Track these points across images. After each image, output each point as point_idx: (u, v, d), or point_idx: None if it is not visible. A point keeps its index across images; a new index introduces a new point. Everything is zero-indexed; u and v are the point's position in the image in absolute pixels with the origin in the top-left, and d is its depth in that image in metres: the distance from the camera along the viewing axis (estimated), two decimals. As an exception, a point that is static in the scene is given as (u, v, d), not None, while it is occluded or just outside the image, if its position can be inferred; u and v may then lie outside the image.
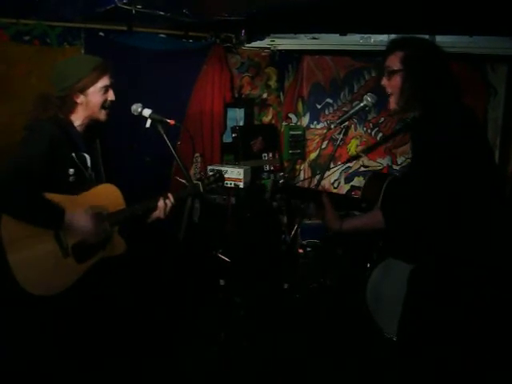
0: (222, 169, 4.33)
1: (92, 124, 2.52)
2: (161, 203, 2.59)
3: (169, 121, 2.70)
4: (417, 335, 2.18)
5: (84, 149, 2.48)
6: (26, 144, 2.31)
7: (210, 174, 2.91)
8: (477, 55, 4.51)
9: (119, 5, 3.08)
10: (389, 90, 2.25)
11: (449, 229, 2.09)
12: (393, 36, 4.33)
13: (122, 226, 2.57)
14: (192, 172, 4.63)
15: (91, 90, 2.41)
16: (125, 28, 4.06)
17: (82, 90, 2.40)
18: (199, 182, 2.77)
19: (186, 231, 3.64)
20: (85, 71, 2.39)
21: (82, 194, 2.41)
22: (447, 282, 2.10)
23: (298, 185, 4.86)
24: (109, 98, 2.47)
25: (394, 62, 2.19)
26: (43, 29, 3.71)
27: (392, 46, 2.24)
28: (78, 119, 2.46)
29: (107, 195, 2.50)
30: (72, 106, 2.41)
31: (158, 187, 4.28)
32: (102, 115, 2.49)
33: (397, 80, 2.19)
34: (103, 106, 2.46)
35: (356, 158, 4.84)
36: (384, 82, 2.26)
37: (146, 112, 2.68)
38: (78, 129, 2.47)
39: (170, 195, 2.63)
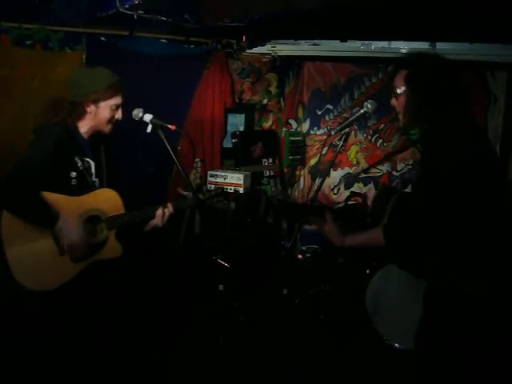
0: (223, 174, 4.34)
1: (97, 134, 2.59)
2: (159, 212, 2.64)
3: (170, 126, 2.71)
4: (436, 351, 2.16)
5: (89, 155, 2.55)
6: (33, 146, 2.40)
7: (212, 189, 2.94)
8: (477, 62, 4.52)
9: (121, 10, 3.08)
10: (397, 110, 2.27)
11: (459, 247, 2.08)
12: (394, 43, 4.42)
13: (121, 232, 2.60)
14: (192, 177, 4.64)
15: (103, 103, 2.49)
16: (126, 33, 4.07)
17: (95, 102, 2.48)
18: (199, 194, 2.79)
19: (185, 239, 3.66)
20: (102, 84, 2.47)
21: (81, 196, 2.47)
22: (462, 301, 2.08)
23: (294, 200, 4.75)
24: (116, 116, 2.55)
25: (399, 81, 2.21)
26: (45, 33, 3.72)
27: (397, 66, 2.26)
28: (84, 126, 2.53)
29: (107, 199, 2.55)
30: (81, 114, 2.49)
31: (155, 193, 4.31)
32: (107, 129, 2.57)
33: (402, 99, 2.21)
34: (109, 122, 2.55)
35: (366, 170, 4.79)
36: (393, 102, 2.27)
37: (147, 117, 2.70)
38: (84, 136, 2.55)
39: (168, 205, 2.68)
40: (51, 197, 2.35)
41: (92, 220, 2.49)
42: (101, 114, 2.51)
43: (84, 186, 2.49)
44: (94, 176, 2.56)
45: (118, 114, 2.56)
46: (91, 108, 2.49)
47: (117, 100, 2.53)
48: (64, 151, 2.41)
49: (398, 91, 2.21)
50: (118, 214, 2.56)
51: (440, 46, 4.34)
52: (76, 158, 2.46)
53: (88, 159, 2.54)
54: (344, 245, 2.42)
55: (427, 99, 2.14)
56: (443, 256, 2.12)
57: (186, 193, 2.82)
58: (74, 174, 2.44)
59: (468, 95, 2.21)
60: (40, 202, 2.32)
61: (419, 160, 2.27)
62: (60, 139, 2.39)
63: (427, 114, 2.15)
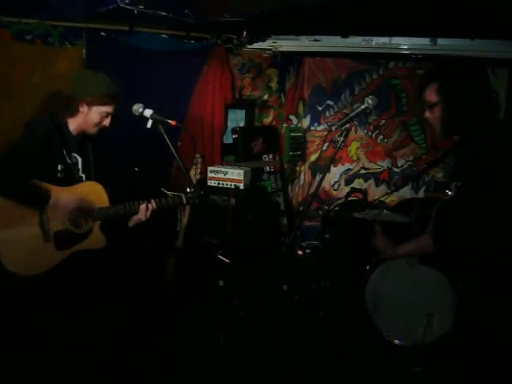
0: (223, 169, 4.34)
1: (84, 133, 2.72)
2: (143, 206, 2.75)
3: (170, 121, 2.72)
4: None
5: (76, 151, 2.67)
6: (24, 134, 2.54)
7: (194, 190, 2.97)
8: (478, 58, 4.51)
9: (121, 5, 3.08)
10: (431, 122, 2.32)
11: (503, 248, 2.15)
12: (394, 38, 4.41)
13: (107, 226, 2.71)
14: (192, 173, 4.62)
15: (95, 108, 2.62)
16: (126, 28, 4.05)
17: (89, 104, 2.61)
18: (182, 195, 2.89)
19: (185, 240, 3.70)
20: (101, 91, 2.61)
21: (68, 187, 2.58)
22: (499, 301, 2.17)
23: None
24: (103, 123, 2.68)
25: (432, 94, 2.26)
26: (45, 28, 3.70)
27: (427, 79, 2.31)
28: (73, 124, 2.66)
29: (92, 192, 2.66)
30: (74, 111, 2.63)
31: (155, 190, 4.31)
32: (93, 131, 2.69)
33: (437, 112, 2.26)
34: (96, 125, 2.67)
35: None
36: (426, 115, 2.32)
37: (148, 112, 2.71)
38: (73, 132, 2.67)
39: (152, 201, 2.80)
40: (40, 183, 2.47)
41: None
42: (91, 116, 2.63)
43: (70, 180, 2.60)
44: (80, 171, 2.67)
45: (106, 121, 2.68)
46: (84, 108, 2.62)
47: (109, 108, 2.65)
48: (53, 143, 2.53)
49: (432, 104, 2.26)
50: (103, 206, 2.66)
51: (441, 42, 4.32)
52: (64, 152, 2.58)
53: (75, 155, 2.66)
54: (396, 255, 2.54)
55: (462, 109, 2.19)
56: (492, 258, 2.17)
57: (169, 192, 2.91)
58: (61, 166, 2.55)
59: (495, 98, 2.28)
60: (30, 182, 2.43)
61: (455, 168, 2.36)
62: (50, 131, 2.53)
63: (464, 124, 2.21)
